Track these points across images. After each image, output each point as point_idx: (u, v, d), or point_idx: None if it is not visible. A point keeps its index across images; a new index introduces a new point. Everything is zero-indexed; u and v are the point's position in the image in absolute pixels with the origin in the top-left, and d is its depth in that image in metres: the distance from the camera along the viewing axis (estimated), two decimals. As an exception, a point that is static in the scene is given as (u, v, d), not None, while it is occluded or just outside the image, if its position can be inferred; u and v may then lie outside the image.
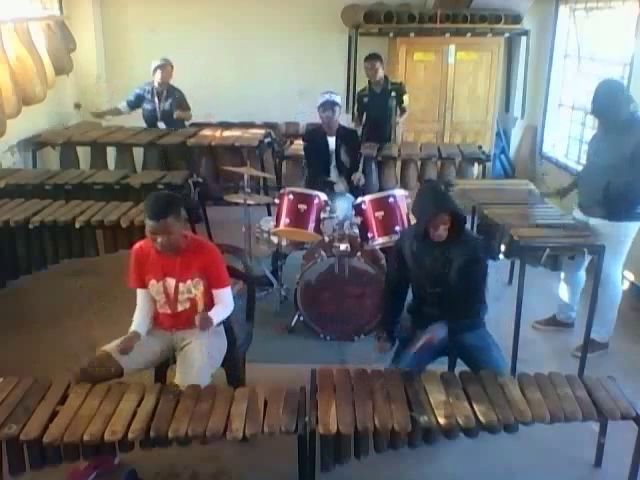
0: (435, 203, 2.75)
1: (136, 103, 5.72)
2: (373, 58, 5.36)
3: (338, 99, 4.48)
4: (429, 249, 2.85)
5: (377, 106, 5.45)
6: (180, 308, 2.82)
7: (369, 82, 5.54)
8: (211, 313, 2.78)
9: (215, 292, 2.83)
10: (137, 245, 2.89)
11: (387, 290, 3.15)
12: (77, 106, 6.06)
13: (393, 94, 5.46)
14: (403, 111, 5.62)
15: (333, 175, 4.59)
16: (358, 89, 5.76)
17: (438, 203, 2.76)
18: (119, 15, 6.63)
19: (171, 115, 5.68)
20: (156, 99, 5.63)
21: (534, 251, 3.35)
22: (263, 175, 5.17)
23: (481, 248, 2.91)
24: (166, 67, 5.53)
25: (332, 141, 4.53)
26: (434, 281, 2.86)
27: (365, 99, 5.53)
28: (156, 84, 5.58)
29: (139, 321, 2.84)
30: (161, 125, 5.71)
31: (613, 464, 2.78)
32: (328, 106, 4.42)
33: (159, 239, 2.66)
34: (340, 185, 4.61)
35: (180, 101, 5.66)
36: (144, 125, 5.80)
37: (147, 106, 5.68)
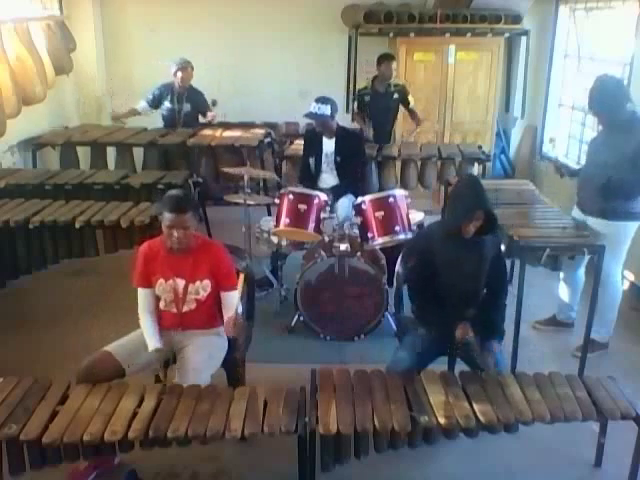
0: (475, 199, 2.69)
1: (156, 102, 5.71)
2: (391, 59, 5.40)
3: (326, 109, 4.32)
4: (463, 246, 2.76)
5: (378, 106, 5.48)
6: (185, 308, 2.82)
7: (372, 81, 5.54)
8: (236, 308, 2.74)
9: (223, 294, 2.82)
10: (145, 244, 2.90)
11: (418, 292, 2.92)
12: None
13: (396, 96, 5.48)
14: (414, 114, 5.63)
15: (327, 177, 4.57)
16: (358, 88, 5.77)
17: (478, 199, 2.69)
18: (119, 15, 6.63)
19: (192, 117, 5.72)
20: (176, 100, 5.63)
21: (534, 251, 3.35)
22: (263, 175, 5.17)
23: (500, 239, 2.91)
24: (187, 69, 5.54)
25: (329, 143, 4.49)
26: (468, 279, 2.80)
27: (366, 97, 5.55)
28: (176, 85, 5.58)
29: (152, 332, 2.77)
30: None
31: (613, 464, 2.78)
32: (311, 118, 4.40)
33: (176, 233, 2.68)
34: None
35: (202, 103, 5.70)
36: (161, 126, 5.80)
37: (167, 107, 5.68)
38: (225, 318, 2.79)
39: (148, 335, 2.77)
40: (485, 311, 2.90)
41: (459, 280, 2.81)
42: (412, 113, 5.68)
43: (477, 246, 2.79)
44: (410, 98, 5.57)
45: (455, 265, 2.79)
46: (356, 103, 5.74)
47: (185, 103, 5.66)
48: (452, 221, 2.76)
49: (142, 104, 5.75)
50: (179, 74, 5.53)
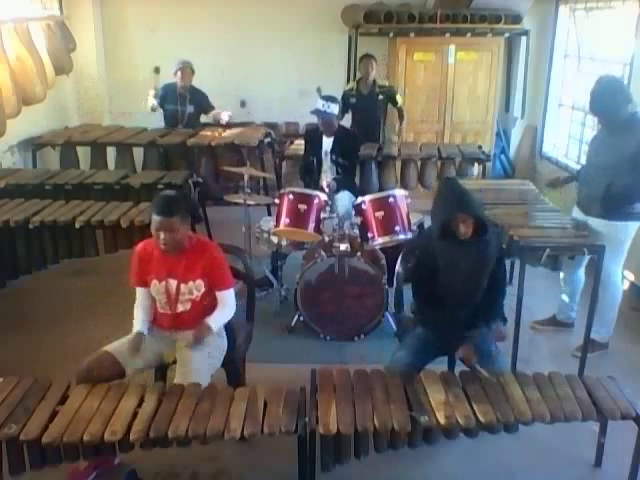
0: (452, 204, 2.69)
1: (162, 102, 5.66)
2: (369, 57, 5.47)
3: (334, 108, 4.36)
4: (463, 247, 2.74)
5: (364, 108, 5.51)
6: (180, 309, 2.82)
7: (357, 82, 5.56)
8: (209, 319, 2.79)
9: (218, 294, 2.84)
10: (140, 245, 2.90)
11: (423, 298, 2.89)
12: (157, 70, 5.82)
13: (381, 97, 5.50)
14: (400, 113, 5.64)
15: (327, 176, 4.56)
16: (344, 89, 5.75)
17: (455, 204, 2.68)
18: (119, 15, 6.63)
19: (195, 118, 5.71)
20: (179, 102, 5.62)
21: (534, 251, 3.34)
22: (263, 175, 5.17)
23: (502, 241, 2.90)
24: (185, 70, 5.52)
25: (328, 142, 4.51)
26: (468, 279, 2.79)
27: (352, 99, 5.56)
28: (178, 86, 5.57)
29: (141, 319, 2.84)
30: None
31: (613, 464, 2.78)
32: (318, 115, 4.40)
33: (163, 236, 2.67)
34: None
35: (205, 104, 5.68)
36: (163, 126, 5.78)
37: (169, 107, 5.67)
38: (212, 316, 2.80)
39: (135, 320, 2.83)
40: (483, 307, 2.88)
41: (458, 280, 2.79)
42: (399, 111, 5.69)
43: (478, 247, 2.77)
44: (398, 97, 5.59)
45: (454, 265, 2.78)
46: (341, 103, 5.72)
47: (189, 105, 5.65)
48: (434, 226, 2.77)
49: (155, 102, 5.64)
50: (178, 74, 5.51)
